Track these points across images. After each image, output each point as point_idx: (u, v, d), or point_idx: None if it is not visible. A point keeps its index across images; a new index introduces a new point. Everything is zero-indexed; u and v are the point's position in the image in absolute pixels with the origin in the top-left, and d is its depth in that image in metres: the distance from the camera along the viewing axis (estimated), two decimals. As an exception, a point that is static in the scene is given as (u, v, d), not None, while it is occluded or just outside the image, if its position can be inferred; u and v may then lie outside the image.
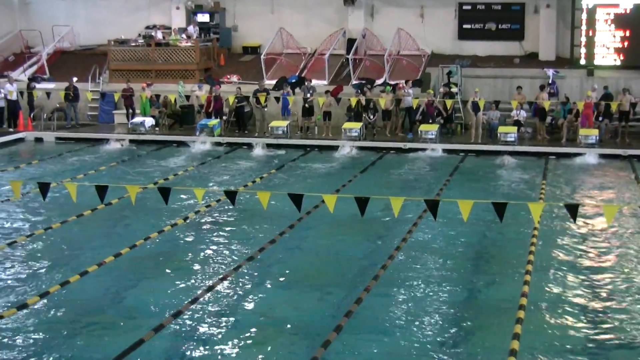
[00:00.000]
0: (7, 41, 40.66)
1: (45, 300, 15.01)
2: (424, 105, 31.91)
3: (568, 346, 13.12)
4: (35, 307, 14.74)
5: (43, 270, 17.01)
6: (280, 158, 29.63)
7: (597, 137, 29.60)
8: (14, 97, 34.41)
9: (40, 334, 13.61)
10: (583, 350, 13.03)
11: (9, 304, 14.81)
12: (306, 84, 34.05)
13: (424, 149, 30.30)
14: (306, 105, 32.69)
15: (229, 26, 40.13)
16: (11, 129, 34.13)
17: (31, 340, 13.34)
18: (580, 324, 14.08)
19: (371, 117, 32.00)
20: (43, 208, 21.41)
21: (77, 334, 13.70)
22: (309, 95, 32.91)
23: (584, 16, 33.27)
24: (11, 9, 41.37)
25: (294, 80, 34.80)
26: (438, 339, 13.45)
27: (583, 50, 33.52)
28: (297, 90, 33.82)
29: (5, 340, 13.35)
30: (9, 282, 16.23)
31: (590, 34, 33.22)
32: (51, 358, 12.72)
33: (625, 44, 32.88)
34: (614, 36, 33.01)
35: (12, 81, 35.14)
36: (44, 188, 16.16)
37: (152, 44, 37.73)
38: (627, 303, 15.08)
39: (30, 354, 12.82)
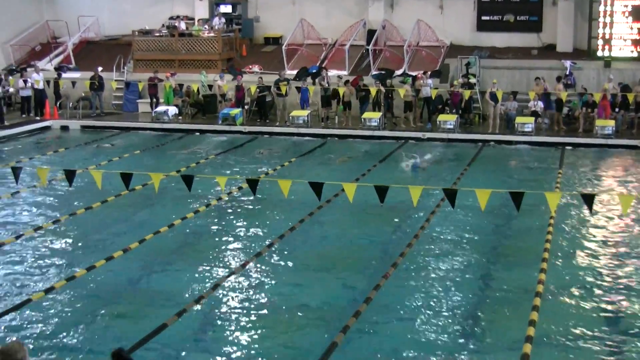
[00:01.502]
0: (34, 31, 40.80)
1: (71, 284, 15.12)
2: (449, 94, 31.92)
3: (584, 333, 13.09)
4: (62, 290, 14.84)
5: (69, 255, 17.12)
6: (301, 147, 29.64)
7: (614, 128, 29.49)
8: (40, 86, 34.57)
9: (67, 316, 13.71)
10: (599, 337, 12.99)
11: (37, 288, 14.92)
12: (322, 73, 33.98)
13: (442, 139, 30.32)
14: (325, 94, 32.72)
15: (251, 17, 40.13)
16: (38, 118, 34.30)
17: (58, 323, 13.43)
18: (596, 312, 14.04)
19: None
20: (69, 194, 21.53)
21: (102, 318, 13.79)
22: (327, 85, 32.88)
23: (602, 8, 33.07)
24: (38, 1, 41.50)
25: (314, 71, 34.76)
26: (455, 325, 13.46)
27: (600, 42, 33.34)
28: (318, 80, 33.79)
29: (34, 322, 13.46)
30: (36, 267, 16.34)
31: (608, 26, 33.05)
32: (77, 340, 12.82)
33: (643, 36, 32.72)
34: (632, 28, 32.81)
35: (39, 70, 35.29)
36: (69, 175, 16.25)
37: (175, 35, 37.80)
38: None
39: (57, 336, 12.91)
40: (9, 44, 39.16)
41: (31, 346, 11.75)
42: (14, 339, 12.46)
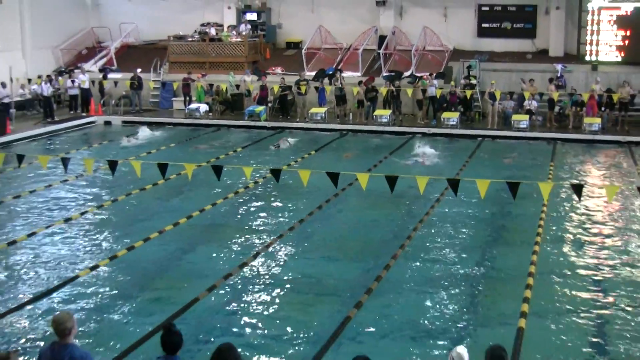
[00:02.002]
0: (81, 37, 40.86)
1: (113, 263, 15.19)
2: (447, 94, 31.87)
3: (573, 309, 13.07)
4: (106, 268, 14.92)
5: (111, 237, 17.20)
6: (319, 140, 29.59)
7: (600, 125, 29.43)
8: (86, 85, 34.66)
9: (109, 291, 13.78)
10: (586, 312, 12.97)
11: (83, 266, 15.00)
12: (337, 75, 33.93)
13: (446, 134, 30.25)
14: (338, 94, 32.71)
15: (274, 24, 40.04)
16: (84, 114, 34.37)
17: (101, 296, 13.51)
18: (584, 289, 14.01)
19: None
20: (111, 183, 21.58)
21: (140, 292, 13.85)
22: (342, 85, 32.85)
23: (590, 17, 32.91)
24: (85, 9, 41.55)
25: (331, 72, 34.72)
26: (456, 301, 13.45)
27: (588, 48, 33.17)
28: (334, 80, 33.74)
29: (81, 295, 13.55)
30: (82, 247, 16.42)
31: (595, 33, 32.92)
32: (118, 311, 12.88)
33: (626, 42, 32.52)
34: (616, 35, 32.65)
35: (85, 72, 35.35)
36: (112, 165, 16.27)
37: (206, 39, 37.75)
38: (626, 271, 15.00)
39: (100, 308, 12.98)
40: (59, 48, 39.25)
41: (77, 315, 11.80)
42: (64, 309, 12.54)
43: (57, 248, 16.28)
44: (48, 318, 12.21)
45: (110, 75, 36.24)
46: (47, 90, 33.49)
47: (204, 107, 33.94)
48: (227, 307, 13.13)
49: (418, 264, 15.28)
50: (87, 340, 11.45)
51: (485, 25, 36.48)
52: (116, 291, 13.78)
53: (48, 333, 11.53)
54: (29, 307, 12.95)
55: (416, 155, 26.06)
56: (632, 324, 12.48)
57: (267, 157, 26.16)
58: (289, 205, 19.87)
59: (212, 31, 38.43)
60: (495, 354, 7.46)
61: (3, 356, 8.62)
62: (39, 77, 35.06)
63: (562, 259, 15.71)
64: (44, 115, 32.96)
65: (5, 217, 18.88)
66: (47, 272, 14.75)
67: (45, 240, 16.84)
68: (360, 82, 32.84)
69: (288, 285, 14.20)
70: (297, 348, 11.56)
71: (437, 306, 13.19)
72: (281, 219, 18.58)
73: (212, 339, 11.58)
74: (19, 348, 10.50)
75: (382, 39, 36.65)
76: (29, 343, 11.53)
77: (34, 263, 15.28)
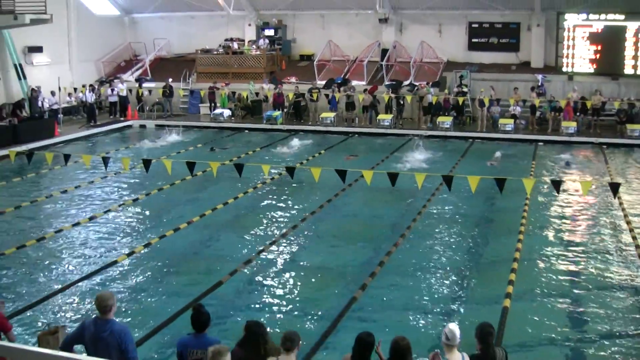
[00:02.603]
0: (119, 51, 40.93)
1: (147, 250, 15.22)
2: (442, 101, 31.83)
3: (553, 290, 13.05)
4: (140, 254, 14.96)
5: (145, 226, 17.23)
6: (329, 141, 29.54)
7: (576, 128, 29.47)
8: (124, 93, 34.77)
9: (144, 274, 13.81)
10: (565, 294, 12.96)
11: (121, 252, 15.04)
12: (347, 84, 33.93)
13: (440, 136, 30.18)
14: (348, 100, 32.68)
15: (289, 38, 39.95)
16: (122, 118, 34.45)
17: (136, 279, 13.55)
18: (562, 273, 13.98)
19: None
20: (145, 178, 21.61)
21: (171, 276, 13.87)
22: (350, 92, 32.83)
23: (566, 34, 33.07)
24: (123, 27, 41.60)
25: (339, 81, 34.68)
26: (449, 283, 13.43)
27: (565, 60, 33.24)
28: (342, 88, 33.75)
29: (119, 278, 13.58)
30: (119, 235, 16.46)
31: (571, 47, 33.03)
32: (152, 293, 12.92)
33: (598, 55, 32.63)
34: (589, 50, 32.76)
35: (123, 81, 35.41)
36: (146, 163, 16.30)
37: (229, 53, 37.73)
38: (599, 256, 14.98)
39: (135, 289, 13.03)
40: (101, 60, 39.29)
41: (116, 295, 11.82)
42: (105, 289, 12.59)
43: (98, 236, 16.33)
44: (91, 297, 12.27)
45: (145, 85, 36.28)
46: (91, 97, 33.61)
47: (227, 112, 34.01)
48: (248, 289, 13.14)
49: (417, 250, 15.27)
50: (123, 317, 11.47)
51: (475, 40, 36.37)
52: (150, 274, 13.82)
53: (90, 311, 11.57)
54: (74, 287, 13.00)
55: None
56: (605, 303, 12.44)
57: (283, 156, 26.13)
58: (302, 198, 19.86)
59: (235, 45, 38.42)
60: (484, 331, 7.50)
61: (52, 330, 8.66)
62: (83, 86, 35.14)
63: (543, 246, 15.66)
64: (87, 119, 33.05)
65: (54, 209, 18.95)
66: (90, 257, 14.81)
67: (88, 229, 16.89)
68: (365, 90, 32.80)
69: (301, 270, 14.21)
70: (309, 324, 11.57)
71: (433, 288, 13.18)
72: (295, 211, 18.57)
73: (234, 318, 11.61)
74: (66, 324, 10.52)
75: (384, 52, 36.57)
76: (74, 319, 11.57)
77: (78, 249, 15.34)
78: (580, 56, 32.97)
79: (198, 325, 7.55)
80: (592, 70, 32.88)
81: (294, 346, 7.34)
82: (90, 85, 35.27)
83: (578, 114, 30.50)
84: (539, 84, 32.46)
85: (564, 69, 33.35)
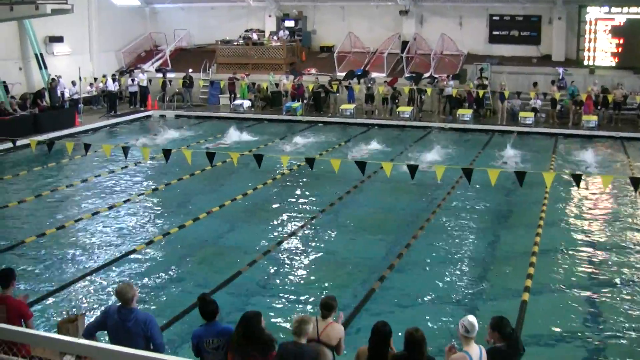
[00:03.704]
0: (140, 41, 41.07)
1: (166, 239, 15.30)
2: (465, 93, 31.71)
3: (571, 284, 12.98)
4: (159, 244, 15.04)
5: (165, 216, 17.31)
6: (348, 133, 29.51)
7: (597, 122, 29.27)
8: (144, 83, 34.89)
9: (163, 264, 13.88)
10: (583, 288, 12.89)
11: (140, 241, 15.11)
12: (367, 76, 33.88)
13: (460, 129, 30.07)
14: (367, 92, 32.66)
15: (309, 30, 39.93)
16: (142, 108, 34.60)
17: (156, 269, 13.61)
18: (581, 267, 13.91)
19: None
20: (165, 168, 21.70)
21: (190, 266, 13.94)
22: (370, 84, 32.82)
23: (588, 27, 32.91)
24: (144, 17, 41.75)
25: (359, 73, 34.61)
26: (467, 276, 13.39)
27: (586, 54, 33.09)
28: (362, 80, 33.71)
29: (138, 267, 13.66)
30: (139, 224, 16.55)
31: (592, 41, 32.86)
32: (170, 282, 12.99)
33: (620, 49, 32.42)
34: (611, 43, 32.57)
35: (143, 71, 35.53)
36: (166, 153, 16.35)
37: (249, 44, 37.77)
38: (618, 251, 14.89)
39: (155, 279, 13.09)
40: (121, 51, 39.48)
41: (134, 283, 11.92)
42: (124, 279, 12.67)
43: (118, 225, 16.43)
44: (110, 286, 12.37)
45: (166, 75, 36.43)
46: (114, 87, 33.75)
47: (247, 103, 34.08)
48: (265, 280, 13.17)
49: (435, 243, 15.22)
50: (142, 306, 11.53)
51: (495, 32, 36.25)
52: (168, 264, 13.87)
53: (110, 299, 11.64)
54: (93, 276, 13.09)
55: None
56: (625, 299, 12.37)
57: (303, 147, 26.12)
58: (321, 190, 19.86)
59: (255, 36, 38.43)
60: (504, 323, 7.52)
61: (72, 318, 8.72)
62: (104, 76, 35.33)
63: (562, 239, 15.58)
64: (108, 109, 33.24)
65: (74, 199, 19.07)
66: (109, 246, 14.89)
67: (108, 218, 17.00)
68: (385, 82, 32.73)
69: (319, 261, 14.22)
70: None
71: (451, 280, 13.15)
72: (314, 202, 18.57)
73: (253, 308, 11.60)
74: (85, 312, 10.60)
75: (404, 44, 36.47)
76: (93, 307, 11.66)
77: (97, 238, 15.43)
78: (601, 49, 32.81)
79: (207, 315, 7.55)
80: (613, 64, 32.71)
81: (330, 313, 7.98)
82: (113, 75, 35.45)
83: (599, 107, 30.29)
84: (560, 77, 32.30)
85: (585, 63, 33.21)
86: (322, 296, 8.64)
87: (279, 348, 7.31)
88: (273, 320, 11.05)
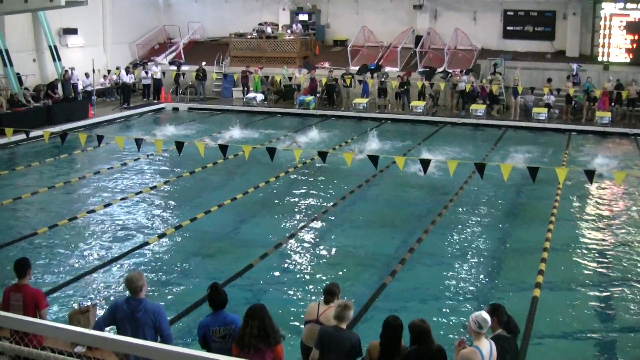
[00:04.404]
0: (154, 34, 41.13)
1: (178, 232, 15.32)
2: (478, 88, 31.59)
3: (582, 281, 12.95)
4: (172, 236, 15.07)
5: (177, 209, 17.34)
6: (361, 127, 29.45)
7: (610, 119, 29.11)
8: (158, 76, 34.95)
9: (174, 256, 13.91)
10: (595, 284, 12.84)
11: (152, 234, 15.15)
12: (381, 70, 33.82)
13: (474, 124, 29.98)
14: (380, 87, 32.61)
15: (323, 24, 39.88)
16: (155, 101, 34.67)
17: (167, 261, 13.65)
18: (593, 264, 13.86)
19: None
20: (177, 161, 21.74)
21: (201, 258, 13.97)
22: (383, 79, 32.75)
23: (602, 22, 32.79)
24: (157, 9, 41.81)
25: (373, 67, 34.55)
26: (479, 271, 13.36)
27: (601, 50, 32.97)
28: (376, 75, 33.64)
29: (150, 259, 13.70)
30: (151, 217, 16.59)
31: (607, 37, 32.72)
32: (181, 274, 13.02)
33: (634, 45, 32.26)
34: (626, 39, 32.43)
35: (157, 64, 35.62)
36: (179, 145, 16.36)
37: (263, 37, 37.75)
38: (631, 247, 14.82)
39: (166, 271, 13.12)
40: (135, 43, 39.53)
41: (146, 276, 11.94)
42: (136, 270, 12.69)
43: (130, 217, 16.48)
44: (122, 277, 12.39)
45: (179, 68, 36.47)
46: (129, 79, 33.78)
47: (260, 96, 34.09)
48: (276, 273, 13.19)
49: (447, 237, 15.19)
50: (153, 298, 11.55)
51: (509, 28, 36.09)
52: (180, 256, 13.91)
53: (121, 291, 11.68)
54: (105, 268, 13.15)
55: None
56: (637, 295, 12.30)
57: (315, 141, 26.06)
58: (333, 184, 19.82)
59: (269, 30, 38.41)
60: (511, 319, 7.54)
61: (83, 310, 8.74)
62: (117, 68, 35.41)
63: (574, 236, 15.55)
64: (121, 101, 33.31)
65: (86, 190, 19.14)
66: (121, 238, 14.94)
67: (120, 210, 17.06)
68: (398, 77, 32.66)
69: (331, 255, 14.22)
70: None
71: (462, 275, 13.12)
72: (325, 196, 18.55)
73: (264, 301, 11.62)
74: (97, 303, 10.63)
75: (418, 38, 36.37)
76: (105, 299, 11.70)
77: (109, 230, 15.48)
78: (616, 46, 32.65)
79: (216, 305, 7.58)
80: (628, 60, 32.52)
81: (333, 298, 8.29)
82: (127, 67, 35.51)
83: (613, 104, 30.13)
84: (574, 73, 32.15)
85: (600, 59, 33.03)
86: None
87: (320, 332, 7.56)
88: (283, 312, 11.05)
